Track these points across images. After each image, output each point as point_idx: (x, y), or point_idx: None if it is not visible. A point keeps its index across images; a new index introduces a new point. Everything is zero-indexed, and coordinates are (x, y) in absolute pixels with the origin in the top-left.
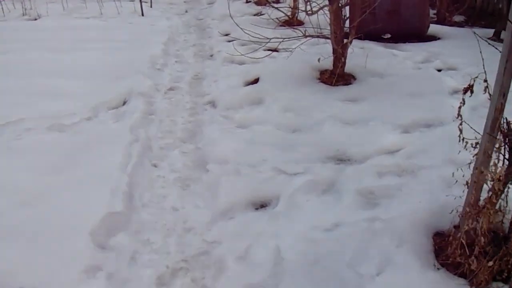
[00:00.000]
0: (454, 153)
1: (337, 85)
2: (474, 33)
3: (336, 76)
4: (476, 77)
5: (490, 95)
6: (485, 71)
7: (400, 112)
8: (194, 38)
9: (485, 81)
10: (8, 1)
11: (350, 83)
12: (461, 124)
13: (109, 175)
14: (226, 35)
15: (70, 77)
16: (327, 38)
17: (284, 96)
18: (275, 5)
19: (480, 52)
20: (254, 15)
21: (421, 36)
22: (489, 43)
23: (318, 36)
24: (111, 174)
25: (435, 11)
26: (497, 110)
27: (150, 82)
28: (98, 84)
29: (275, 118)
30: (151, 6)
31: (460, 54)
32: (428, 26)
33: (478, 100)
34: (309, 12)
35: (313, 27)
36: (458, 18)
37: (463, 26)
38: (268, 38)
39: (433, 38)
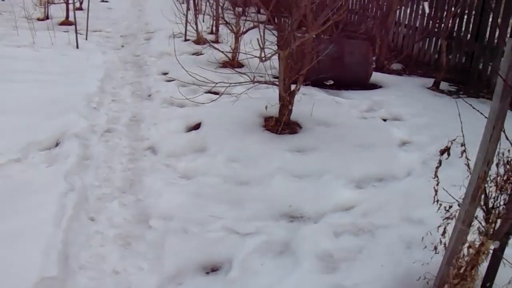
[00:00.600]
0: (409, 210)
1: (283, 133)
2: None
3: (282, 124)
4: (454, 139)
5: (467, 159)
6: (463, 135)
7: (351, 165)
8: (131, 75)
9: (463, 145)
10: None
11: (296, 132)
12: (437, 184)
13: (41, 231)
14: (165, 74)
15: None
16: (275, 85)
17: (229, 144)
18: (215, 45)
19: (459, 114)
20: (193, 54)
21: (364, 84)
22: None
23: (266, 83)
24: (44, 230)
25: (373, 58)
26: (480, 178)
27: (86, 123)
28: (28, 121)
29: (220, 168)
30: (86, 39)
31: (404, 104)
32: (371, 74)
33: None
34: (263, 58)
35: (253, 72)
36: (395, 66)
37: (401, 75)
38: (214, 82)
39: (375, 86)
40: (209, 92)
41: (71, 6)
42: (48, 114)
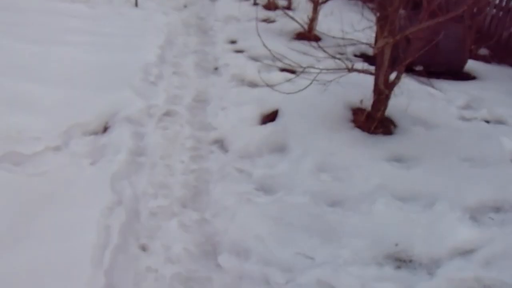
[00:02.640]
0: None
1: (376, 133)
2: None
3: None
4: None
5: None
6: None
7: (463, 188)
8: (195, 42)
9: None
10: None
11: (391, 132)
12: None
13: (77, 272)
14: (233, 42)
15: (41, 80)
16: (372, 73)
17: (314, 145)
18: (288, 12)
19: None
20: (263, 20)
21: (457, 72)
22: None
23: (364, 72)
24: (81, 270)
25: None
26: None
27: (141, 103)
28: (74, 95)
29: (306, 180)
30: None
31: (505, 102)
32: (466, 62)
33: None
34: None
35: (335, 46)
36: (482, 51)
37: (489, 62)
38: (301, 66)
39: (468, 76)
40: (285, 70)
41: None
42: (97, 87)
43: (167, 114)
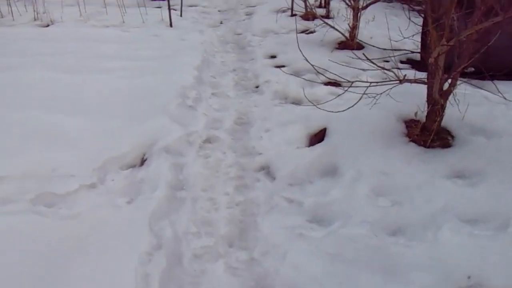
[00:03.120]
0: None
1: (433, 147)
2: None
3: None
4: None
5: None
6: None
7: None
8: (233, 59)
9: None
10: (20, 2)
11: (449, 144)
12: None
13: None
14: (272, 57)
15: (75, 112)
16: (425, 83)
17: (367, 164)
18: (327, 21)
19: None
20: (302, 31)
21: None
22: None
23: (416, 81)
24: None
25: None
26: None
27: (180, 131)
28: (109, 126)
29: (363, 207)
30: (181, 15)
31: None
32: None
33: None
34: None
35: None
36: None
37: None
38: (348, 81)
39: None
40: (330, 83)
41: None
42: (133, 116)
43: (208, 140)
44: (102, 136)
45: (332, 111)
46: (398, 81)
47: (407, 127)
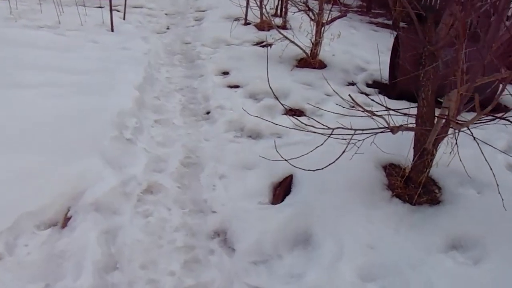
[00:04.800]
0: None
1: (420, 203)
2: None
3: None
4: None
5: None
6: None
7: None
8: (180, 74)
9: None
10: None
11: (437, 200)
12: None
13: None
14: (225, 73)
15: None
16: (412, 129)
17: (350, 234)
18: (283, 32)
19: None
20: (257, 43)
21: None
22: None
23: (412, 129)
24: None
25: None
26: None
27: (114, 178)
28: (26, 166)
29: None
30: (124, 18)
31: None
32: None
33: None
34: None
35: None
36: None
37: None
38: (329, 128)
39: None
40: (292, 110)
41: None
42: (58, 150)
43: (149, 190)
44: (16, 179)
45: (301, 155)
46: (388, 130)
47: (387, 174)
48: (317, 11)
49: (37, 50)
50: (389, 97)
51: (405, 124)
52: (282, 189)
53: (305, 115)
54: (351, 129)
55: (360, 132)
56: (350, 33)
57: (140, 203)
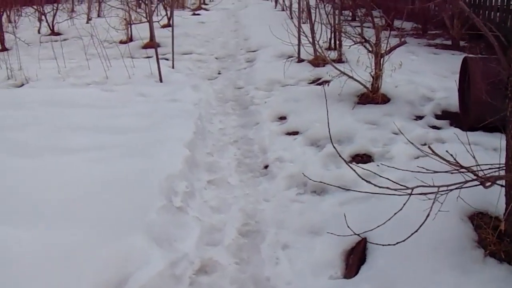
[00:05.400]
0: None
1: None
2: None
3: None
4: None
5: None
6: None
7: None
8: (234, 123)
9: None
10: None
11: None
12: None
13: None
14: (282, 118)
15: (18, 219)
16: (503, 177)
17: None
18: (342, 67)
19: None
20: (313, 82)
21: None
22: None
23: (501, 178)
24: None
25: None
26: None
27: (161, 259)
28: (62, 246)
29: None
30: (173, 66)
31: None
32: None
33: None
34: None
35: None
36: None
37: None
38: (406, 187)
39: None
40: (358, 156)
41: (156, 24)
42: (100, 226)
43: (203, 269)
44: (51, 263)
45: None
46: (478, 183)
47: (475, 227)
48: (374, 42)
49: (85, 109)
50: (462, 129)
51: (494, 169)
52: (356, 258)
53: (372, 161)
54: (433, 186)
55: (445, 188)
56: (409, 60)
57: (193, 287)
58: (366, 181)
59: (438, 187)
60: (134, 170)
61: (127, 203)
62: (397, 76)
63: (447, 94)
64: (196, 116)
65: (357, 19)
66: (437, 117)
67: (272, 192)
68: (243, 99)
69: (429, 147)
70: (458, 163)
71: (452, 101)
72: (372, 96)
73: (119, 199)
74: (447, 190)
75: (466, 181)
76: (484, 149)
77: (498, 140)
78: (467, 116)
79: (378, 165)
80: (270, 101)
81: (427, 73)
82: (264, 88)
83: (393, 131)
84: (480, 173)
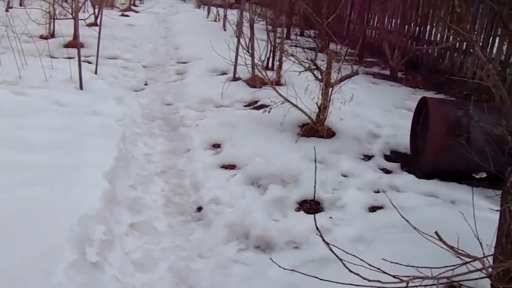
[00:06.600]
0: None
1: None
2: None
3: None
4: None
5: None
6: None
7: None
8: (161, 148)
9: None
10: None
11: None
12: None
13: None
14: (216, 147)
15: None
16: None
17: None
18: (278, 89)
19: None
20: (249, 104)
21: None
22: None
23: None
24: None
25: None
26: None
27: None
28: None
29: None
30: (95, 72)
31: None
32: None
33: None
34: None
35: None
36: None
37: None
38: (402, 278)
39: None
40: (306, 202)
41: (81, 22)
42: None
43: None
44: None
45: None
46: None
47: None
48: (324, 69)
49: None
50: (416, 175)
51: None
52: None
53: (322, 209)
54: (432, 277)
55: (446, 280)
56: (350, 88)
57: None
58: (350, 270)
59: (438, 278)
60: (39, 205)
61: (26, 255)
62: (340, 107)
63: (394, 131)
64: (119, 136)
65: (291, 38)
66: (387, 158)
67: (208, 245)
68: (172, 118)
69: (436, 233)
70: (464, 252)
71: (400, 140)
72: (317, 128)
73: (15, 246)
74: (448, 281)
75: (470, 271)
76: (443, 201)
77: (455, 192)
78: (419, 160)
79: (330, 217)
80: (202, 124)
81: (371, 106)
82: (196, 107)
83: (342, 172)
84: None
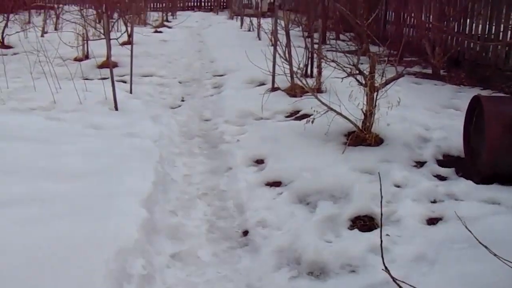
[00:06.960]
0: None
1: None
2: None
3: None
4: None
5: None
6: None
7: None
8: (201, 168)
9: None
10: None
11: None
12: None
13: None
14: (259, 163)
15: None
16: None
17: None
18: (320, 96)
19: None
20: (290, 115)
21: None
22: None
23: None
24: None
25: None
26: None
27: None
28: None
29: None
30: (131, 92)
31: None
32: None
33: None
34: None
35: None
36: None
37: None
38: None
39: None
40: (359, 219)
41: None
42: None
43: None
44: None
45: None
46: None
47: None
48: (368, 74)
49: (23, 143)
50: (474, 180)
51: None
52: None
53: (377, 226)
54: None
55: None
56: (394, 91)
57: None
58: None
59: None
60: (74, 239)
61: None
62: (386, 111)
63: (445, 134)
64: (156, 158)
65: (327, 42)
66: (440, 163)
67: (257, 273)
68: (211, 135)
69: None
70: None
71: (452, 142)
72: (364, 136)
73: (45, 286)
74: None
75: None
76: (506, 208)
77: None
78: (476, 163)
79: (387, 235)
80: (243, 139)
81: (417, 107)
82: (235, 121)
83: (394, 182)
84: None
